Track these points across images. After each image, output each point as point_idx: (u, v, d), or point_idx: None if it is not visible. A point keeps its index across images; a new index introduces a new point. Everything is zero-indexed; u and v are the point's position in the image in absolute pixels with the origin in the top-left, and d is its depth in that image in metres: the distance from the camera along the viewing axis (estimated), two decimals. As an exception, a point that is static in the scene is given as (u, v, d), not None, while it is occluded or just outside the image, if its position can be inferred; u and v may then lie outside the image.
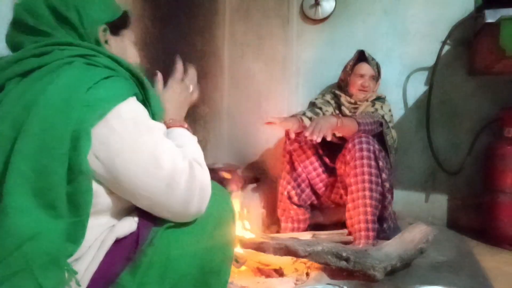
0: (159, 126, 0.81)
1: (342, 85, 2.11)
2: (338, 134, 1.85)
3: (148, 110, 0.81)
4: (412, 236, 1.57)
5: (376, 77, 2.03)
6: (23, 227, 0.66)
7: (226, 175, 1.75)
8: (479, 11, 1.92)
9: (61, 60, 0.75)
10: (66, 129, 0.69)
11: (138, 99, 0.79)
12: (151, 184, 0.76)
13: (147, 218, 0.82)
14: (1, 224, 0.65)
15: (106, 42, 0.88)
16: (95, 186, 0.74)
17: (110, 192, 0.77)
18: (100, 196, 0.76)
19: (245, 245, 1.51)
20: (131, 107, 0.76)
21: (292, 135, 1.75)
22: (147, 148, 0.75)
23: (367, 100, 2.01)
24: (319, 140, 1.63)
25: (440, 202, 2.23)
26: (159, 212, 0.80)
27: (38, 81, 0.73)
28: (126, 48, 0.94)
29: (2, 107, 0.72)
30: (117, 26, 0.91)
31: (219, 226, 0.89)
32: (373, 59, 2.04)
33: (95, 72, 0.75)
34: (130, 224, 0.81)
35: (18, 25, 0.82)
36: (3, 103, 0.73)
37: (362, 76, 2.01)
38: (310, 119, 1.90)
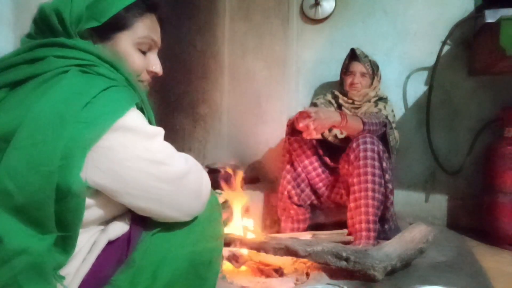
0: (159, 131, 0.78)
1: (340, 85, 2.11)
2: (341, 136, 1.84)
3: (144, 116, 0.80)
4: (412, 236, 1.57)
5: (370, 74, 2.01)
6: (8, 244, 0.63)
7: (230, 171, 1.75)
8: (479, 11, 1.93)
9: (56, 70, 0.71)
10: (56, 146, 0.64)
11: (137, 106, 0.77)
12: (161, 187, 0.75)
13: (139, 221, 0.82)
14: None
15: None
16: (87, 201, 0.71)
17: (102, 204, 0.76)
18: (91, 210, 0.74)
19: (245, 245, 1.51)
20: (131, 118, 0.72)
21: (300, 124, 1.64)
22: (151, 154, 0.74)
23: (369, 101, 2.00)
24: (318, 136, 1.61)
25: (440, 202, 2.23)
26: (167, 214, 0.79)
27: (31, 92, 0.69)
28: (124, 55, 0.83)
29: None
30: (105, 29, 0.80)
31: (207, 221, 0.90)
32: (366, 56, 2.03)
33: (92, 83, 0.70)
34: (122, 226, 0.81)
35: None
36: None
37: (352, 73, 2.01)
38: None
